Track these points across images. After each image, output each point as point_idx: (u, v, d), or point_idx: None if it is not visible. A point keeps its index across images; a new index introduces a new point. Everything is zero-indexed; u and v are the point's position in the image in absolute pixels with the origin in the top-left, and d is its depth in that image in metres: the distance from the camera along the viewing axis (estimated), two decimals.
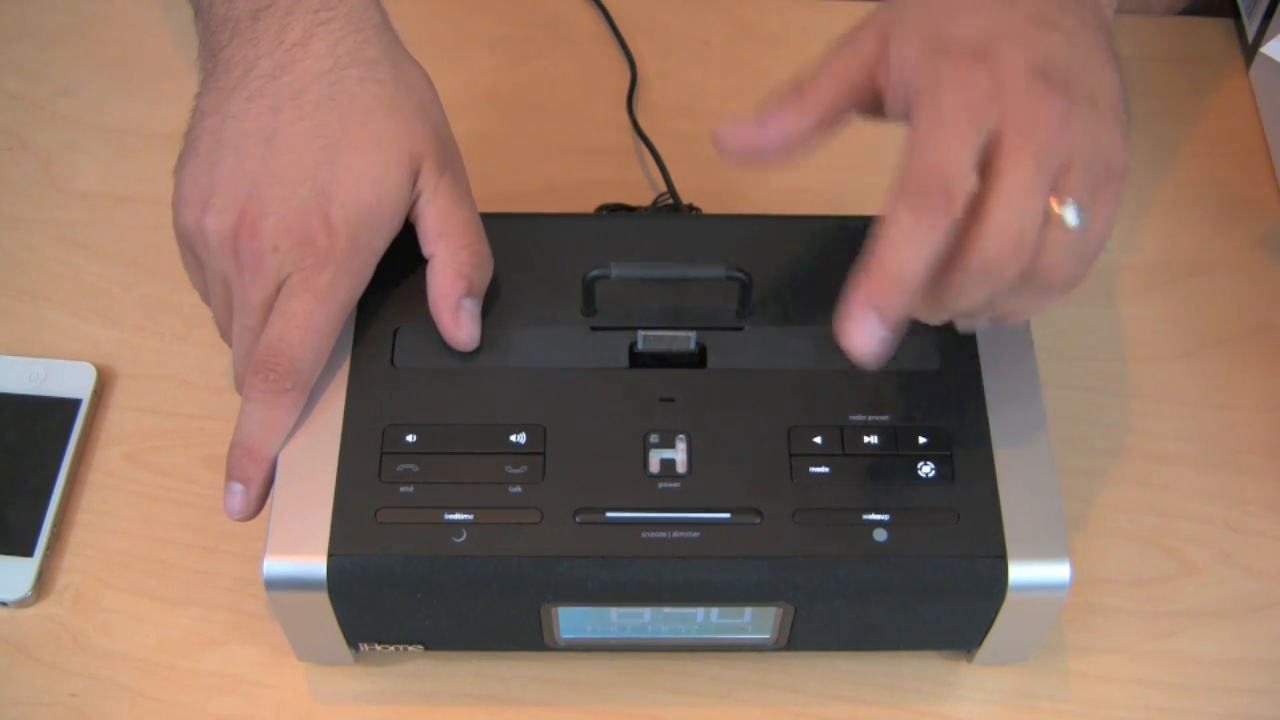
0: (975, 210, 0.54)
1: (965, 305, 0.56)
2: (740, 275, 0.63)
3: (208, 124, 0.63)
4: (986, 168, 0.54)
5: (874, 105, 0.59)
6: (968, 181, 0.53)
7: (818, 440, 0.61)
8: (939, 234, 0.53)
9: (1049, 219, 0.54)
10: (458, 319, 0.63)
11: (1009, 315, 0.58)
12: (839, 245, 0.67)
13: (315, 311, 0.61)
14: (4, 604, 0.69)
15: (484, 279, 0.64)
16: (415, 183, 0.63)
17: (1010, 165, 0.53)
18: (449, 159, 0.65)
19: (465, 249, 0.64)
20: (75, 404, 0.73)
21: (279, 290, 0.61)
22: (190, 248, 0.64)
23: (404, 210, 0.63)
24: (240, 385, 0.63)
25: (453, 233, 0.64)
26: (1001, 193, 0.53)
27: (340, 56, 0.63)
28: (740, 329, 0.65)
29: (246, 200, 0.61)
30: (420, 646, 0.65)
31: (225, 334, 0.65)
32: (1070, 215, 0.54)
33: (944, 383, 0.63)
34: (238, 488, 0.62)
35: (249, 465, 0.61)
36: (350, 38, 0.63)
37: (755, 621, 0.62)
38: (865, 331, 0.54)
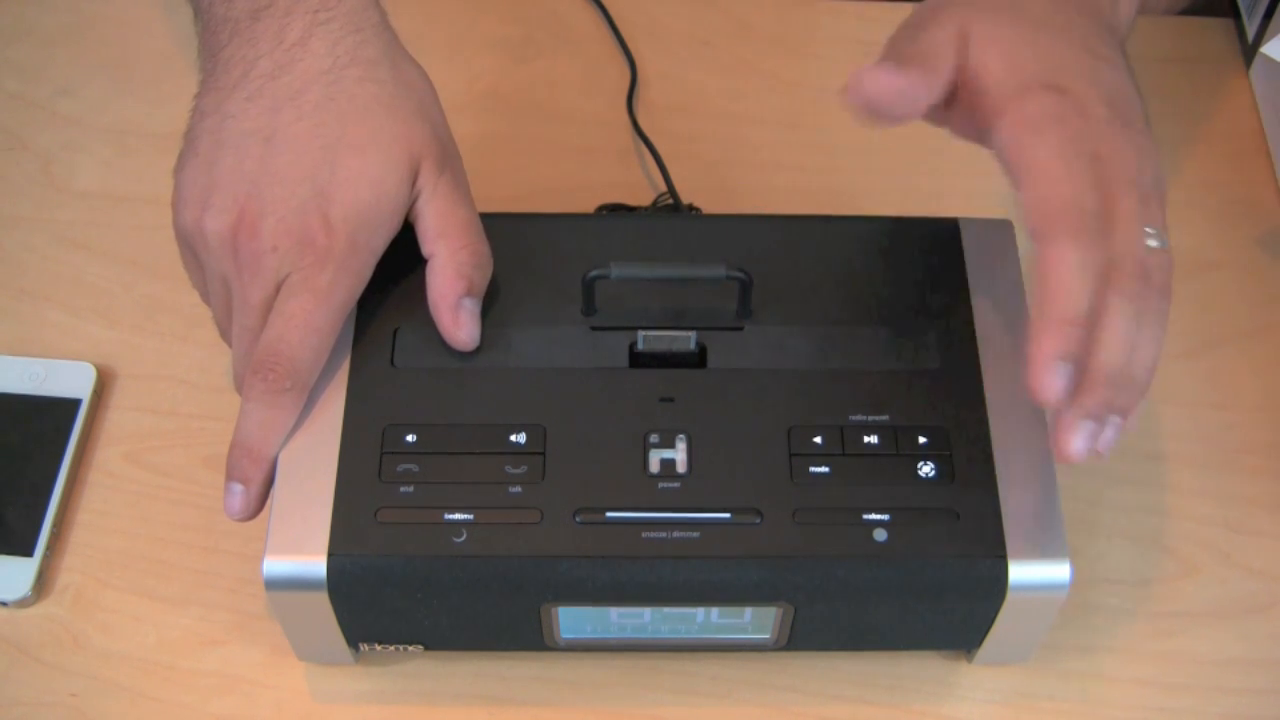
0: None
1: (1123, 358, 0.55)
2: (740, 275, 0.63)
3: (207, 124, 0.63)
4: None
5: (949, 98, 0.60)
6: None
7: (818, 440, 0.61)
8: (1100, 266, 0.54)
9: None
10: (457, 319, 0.63)
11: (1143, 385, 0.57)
12: (839, 245, 0.68)
13: (315, 311, 0.61)
14: (4, 604, 0.68)
15: (484, 279, 0.64)
16: (414, 183, 0.63)
17: (1120, 198, 0.55)
18: (448, 159, 0.65)
19: (465, 249, 0.64)
20: (75, 404, 0.73)
21: (278, 290, 0.61)
22: (190, 248, 0.64)
23: (403, 210, 0.63)
24: (240, 385, 0.63)
25: (452, 232, 0.64)
26: (1120, 222, 0.55)
27: (339, 56, 0.63)
28: (740, 329, 0.64)
29: (246, 200, 0.61)
30: (420, 646, 0.65)
31: (225, 334, 0.65)
32: (1154, 240, 0.56)
33: (944, 383, 0.63)
34: (238, 488, 0.62)
35: (249, 465, 0.61)
36: (349, 38, 0.63)
37: (755, 621, 0.62)
38: (1061, 382, 0.54)
